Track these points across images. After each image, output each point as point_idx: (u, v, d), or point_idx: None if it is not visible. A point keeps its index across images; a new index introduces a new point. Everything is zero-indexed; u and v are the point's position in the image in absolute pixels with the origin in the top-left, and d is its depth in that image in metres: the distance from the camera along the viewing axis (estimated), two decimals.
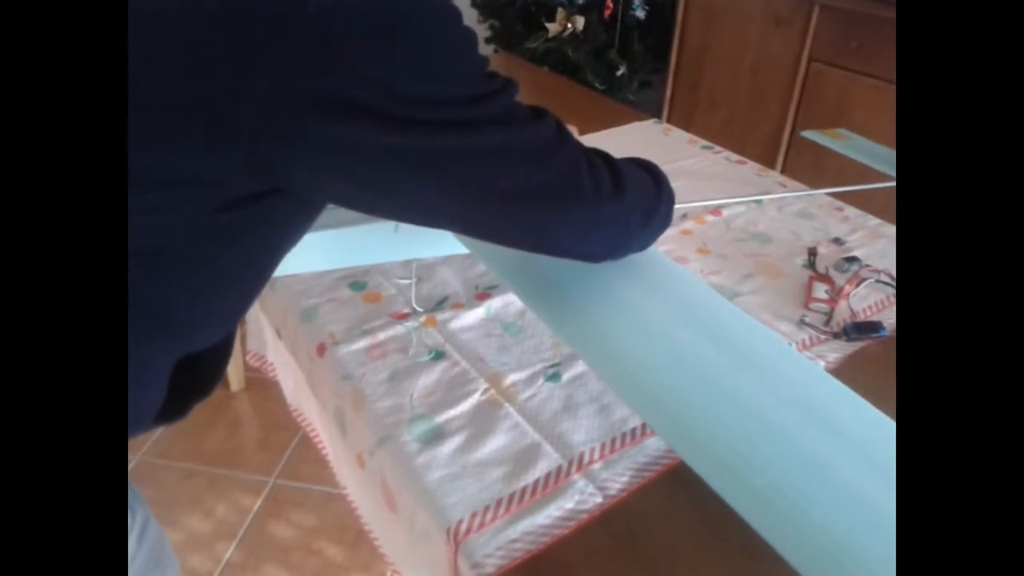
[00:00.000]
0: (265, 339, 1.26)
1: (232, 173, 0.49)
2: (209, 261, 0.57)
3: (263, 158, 0.48)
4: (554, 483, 0.76)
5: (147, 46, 0.47)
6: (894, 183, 1.29)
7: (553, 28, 2.62)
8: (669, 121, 2.39)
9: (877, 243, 1.21)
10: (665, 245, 1.17)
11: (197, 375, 0.65)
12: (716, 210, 1.29)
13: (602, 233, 0.64)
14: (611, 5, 2.55)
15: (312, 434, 1.14)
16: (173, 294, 0.57)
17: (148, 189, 0.50)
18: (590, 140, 0.66)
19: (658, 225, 0.70)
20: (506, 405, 0.86)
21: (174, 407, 0.64)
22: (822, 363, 0.94)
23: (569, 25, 2.60)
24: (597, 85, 2.56)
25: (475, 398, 0.87)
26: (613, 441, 0.81)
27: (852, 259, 1.13)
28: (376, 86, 0.47)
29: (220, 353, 0.66)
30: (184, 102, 0.47)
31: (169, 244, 0.54)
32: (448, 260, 1.12)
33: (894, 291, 1.08)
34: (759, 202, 1.33)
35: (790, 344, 0.96)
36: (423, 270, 1.10)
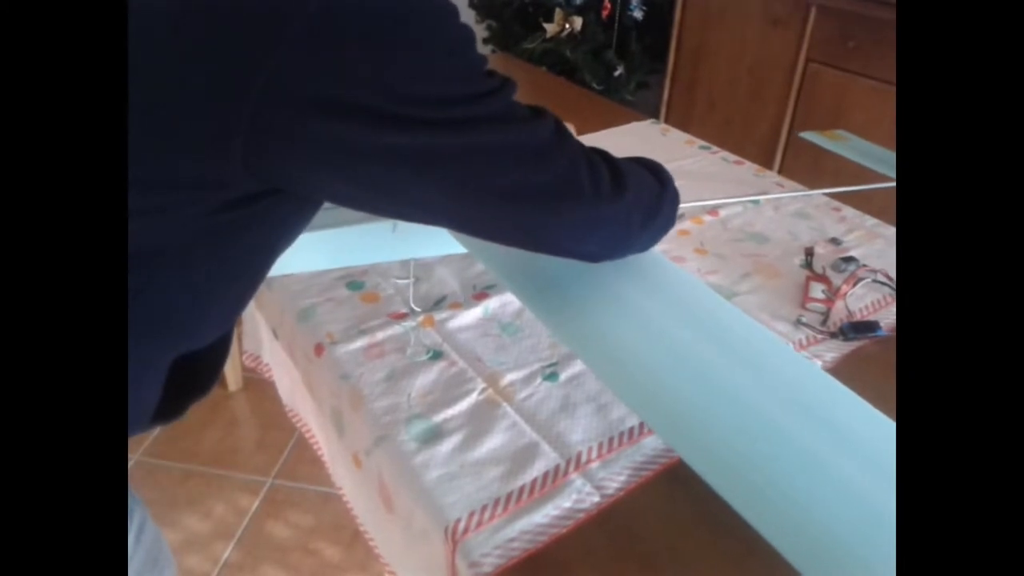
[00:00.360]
0: (261, 339, 1.26)
1: (231, 173, 0.49)
2: (208, 260, 0.57)
3: (262, 158, 0.48)
4: (552, 482, 0.76)
5: (147, 46, 0.47)
6: (891, 183, 1.29)
7: (551, 28, 2.63)
8: (667, 121, 2.39)
9: (874, 243, 1.21)
10: (662, 245, 1.16)
11: (195, 375, 0.64)
12: (713, 210, 1.29)
13: (601, 233, 0.64)
14: (609, 6, 2.56)
15: (307, 434, 1.14)
16: (172, 294, 0.56)
17: (147, 189, 0.50)
18: (588, 140, 0.66)
19: (661, 226, 0.70)
20: (504, 404, 0.86)
21: (171, 407, 0.64)
22: (819, 363, 0.94)
23: (567, 26, 2.60)
24: (595, 85, 2.56)
25: (473, 397, 0.87)
26: (611, 440, 0.81)
27: (849, 259, 1.13)
28: (375, 86, 0.47)
29: (217, 352, 0.66)
30: (183, 102, 0.47)
31: (168, 244, 0.54)
32: (446, 260, 1.12)
33: (891, 291, 1.08)
34: (756, 202, 1.33)
35: (787, 344, 0.96)
36: (421, 270, 1.10)
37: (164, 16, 0.47)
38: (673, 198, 0.70)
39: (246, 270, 0.62)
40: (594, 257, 0.68)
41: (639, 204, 0.65)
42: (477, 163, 0.53)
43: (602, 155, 0.63)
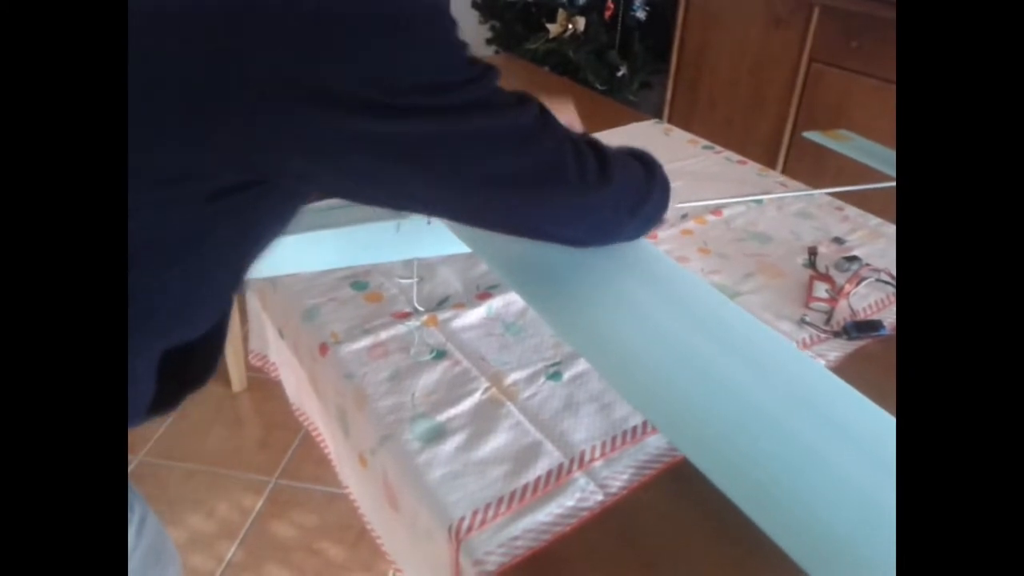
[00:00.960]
0: (267, 339, 1.27)
1: (218, 164, 0.50)
2: (195, 251, 0.57)
3: (248, 149, 0.49)
4: (555, 481, 0.77)
5: (146, 44, 0.47)
6: (894, 183, 1.29)
7: (554, 29, 2.63)
8: (669, 121, 2.39)
9: (877, 242, 1.21)
10: (666, 245, 1.17)
11: (189, 365, 0.65)
12: (717, 210, 1.30)
13: (589, 219, 0.64)
14: (612, 6, 2.56)
15: (314, 433, 1.14)
16: (160, 285, 0.57)
17: (143, 185, 0.50)
18: None
19: (650, 214, 0.70)
20: (507, 404, 0.87)
21: (167, 398, 0.64)
22: (822, 362, 0.94)
23: (570, 26, 2.60)
24: (598, 86, 2.57)
25: (476, 397, 0.87)
26: (614, 439, 0.82)
27: (852, 258, 1.13)
28: (359, 76, 0.47)
29: (211, 343, 0.66)
30: (171, 94, 0.47)
31: (156, 236, 0.54)
32: (449, 260, 1.12)
33: (894, 290, 1.08)
34: (759, 202, 1.33)
35: (789, 342, 0.96)
36: (424, 270, 1.10)
37: (164, 15, 0.47)
38: (662, 186, 0.70)
39: (232, 260, 0.62)
40: (581, 243, 0.68)
41: (627, 191, 0.65)
42: (461, 150, 0.53)
43: (589, 142, 0.63)
